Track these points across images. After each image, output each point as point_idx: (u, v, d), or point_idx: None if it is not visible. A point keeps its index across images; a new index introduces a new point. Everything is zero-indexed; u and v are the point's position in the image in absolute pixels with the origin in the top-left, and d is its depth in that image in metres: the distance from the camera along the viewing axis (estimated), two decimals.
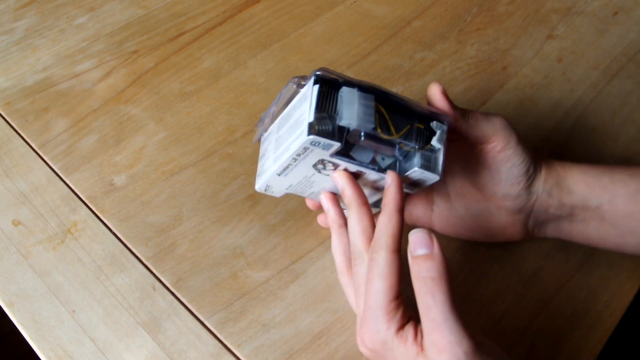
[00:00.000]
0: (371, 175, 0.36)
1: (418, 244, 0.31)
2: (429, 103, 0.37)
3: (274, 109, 0.38)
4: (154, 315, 0.41)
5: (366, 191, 0.38)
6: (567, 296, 0.42)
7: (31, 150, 0.50)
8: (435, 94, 0.37)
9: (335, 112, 0.33)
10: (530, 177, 0.39)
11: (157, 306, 0.41)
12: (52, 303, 0.41)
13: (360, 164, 0.35)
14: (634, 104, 0.54)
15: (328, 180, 0.38)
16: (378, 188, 0.39)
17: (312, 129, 0.32)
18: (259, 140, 0.41)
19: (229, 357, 0.39)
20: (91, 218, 0.46)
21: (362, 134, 0.33)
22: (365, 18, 0.63)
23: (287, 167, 0.36)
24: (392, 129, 0.34)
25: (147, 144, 0.51)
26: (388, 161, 0.36)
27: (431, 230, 0.41)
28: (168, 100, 0.54)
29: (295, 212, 0.46)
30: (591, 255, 0.44)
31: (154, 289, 0.42)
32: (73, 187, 0.48)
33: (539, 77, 0.57)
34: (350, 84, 0.33)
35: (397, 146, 0.35)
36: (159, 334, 0.40)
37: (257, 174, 0.40)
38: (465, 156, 0.40)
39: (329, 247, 0.43)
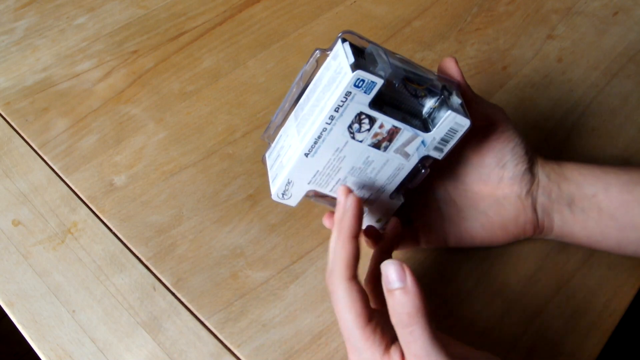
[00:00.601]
0: (404, 135, 0.35)
1: (391, 277, 0.30)
2: (441, 72, 0.38)
3: (286, 105, 0.38)
4: (154, 315, 0.41)
5: (395, 159, 0.37)
6: (567, 296, 0.42)
7: (31, 150, 0.50)
8: (450, 64, 0.38)
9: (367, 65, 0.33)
10: (531, 158, 0.41)
11: (157, 306, 0.41)
12: (52, 303, 0.41)
13: (397, 119, 0.35)
14: (634, 104, 0.54)
15: (357, 157, 0.36)
16: (407, 154, 0.36)
17: (356, 66, 0.32)
18: (267, 139, 0.39)
19: (229, 357, 0.39)
20: (91, 218, 0.46)
21: (397, 81, 0.34)
22: (365, 18, 0.63)
23: (319, 137, 0.35)
24: (417, 83, 0.35)
25: (147, 144, 0.51)
26: (417, 122, 0.36)
27: (447, 248, 0.42)
28: (168, 100, 0.54)
29: (295, 212, 0.46)
30: (591, 255, 0.44)
31: (154, 289, 0.42)
32: (73, 187, 0.48)
33: (539, 77, 0.57)
34: (374, 44, 0.35)
35: (422, 104, 0.36)
36: (159, 334, 0.40)
37: (271, 180, 0.38)
38: (466, 155, 0.41)
39: (328, 247, 0.43)
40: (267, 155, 0.40)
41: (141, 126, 0.52)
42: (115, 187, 0.48)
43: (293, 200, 0.38)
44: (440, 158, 0.37)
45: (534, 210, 0.41)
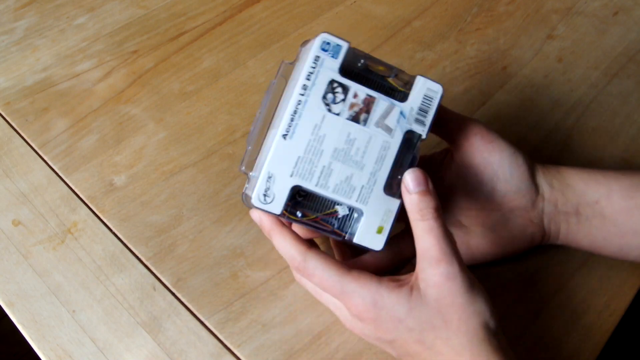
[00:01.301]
0: (380, 104, 0.36)
1: (417, 182, 0.34)
2: None
3: (256, 129, 0.38)
4: (154, 315, 0.41)
5: (378, 136, 0.36)
6: (567, 296, 0.42)
7: (31, 150, 0.50)
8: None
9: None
10: (531, 167, 0.40)
11: (157, 306, 0.41)
12: (52, 303, 0.41)
13: (371, 87, 0.36)
14: (634, 104, 0.54)
15: (338, 135, 0.35)
16: (389, 127, 0.36)
17: (323, 34, 0.35)
18: (245, 171, 0.38)
19: (229, 357, 0.39)
20: (91, 218, 0.46)
21: (361, 60, 0.36)
22: (365, 18, 0.63)
23: (295, 112, 0.35)
24: (382, 66, 0.37)
25: (147, 144, 0.51)
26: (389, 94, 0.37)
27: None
28: (168, 100, 0.54)
29: None
30: (591, 255, 0.44)
31: (154, 289, 0.42)
32: (73, 187, 0.48)
33: (539, 77, 0.57)
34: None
35: (388, 83, 0.37)
36: (159, 334, 0.40)
37: (248, 185, 0.37)
38: (464, 174, 0.40)
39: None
40: (245, 187, 0.38)
41: (141, 126, 0.52)
42: (115, 187, 0.48)
43: (276, 205, 0.35)
44: (424, 135, 0.37)
45: (541, 220, 0.41)
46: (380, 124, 0.36)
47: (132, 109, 0.54)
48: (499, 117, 0.53)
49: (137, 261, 0.43)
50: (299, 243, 0.35)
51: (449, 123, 0.40)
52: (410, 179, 0.35)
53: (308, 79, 0.35)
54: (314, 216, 0.36)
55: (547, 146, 0.51)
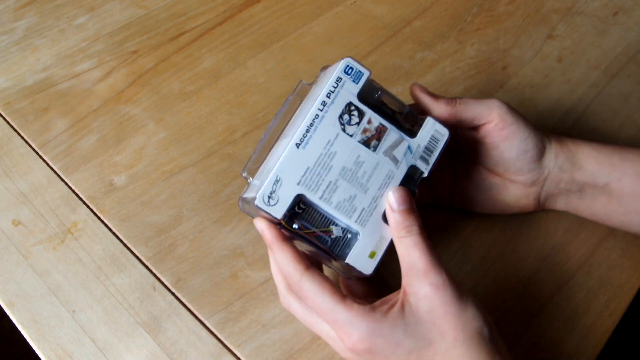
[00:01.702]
0: (391, 135, 0.38)
1: (400, 201, 0.35)
2: (415, 101, 0.40)
3: (267, 136, 0.38)
4: (154, 315, 0.41)
5: (385, 164, 0.37)
6: (567, 296, 0.42)
7: (31, 150, 0.50)
8: (416, 92, 0.40)
9: None
10: (541, 150, 0.40)
11: (157, 306, 0.41)
12: (52, 303, 0.41)
13: (385, 118, 0.38)
14: (634, 104, 0.54)
15: (348, 155, 0.36)
16: (396, 159, 0.37)
17: (347, 59, 0.37)
18: (246, 176, 0.38)
19: (229, 357, 0.39)
20: (91, 218, 0.46)
21: (378, 92, 0.39)
22: (365, 18, 0.63)
23: (311, 124, 0.36)
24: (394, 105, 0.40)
25: (147, 144, 0.51)
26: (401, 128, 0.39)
27: (452, 210, 0.45)
28: (168, 100, 0.54)
29: None
30: (591, 255, 0.44)
31: (154, 289, 0.42)
32: (73, 187, 0.48)
33: (539, 77, 0.57)
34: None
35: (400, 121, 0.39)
36: (159, 334, 0.40)
37: (250, 188, 0.37)
38: (474, 141, 0.42)
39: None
40: (244, 192, 0.38)
41: (141, 126, 0.52)
42: (115, 187, 0.48)
43: (279, 209, 0.35)
44: (426, 173, 0.38)
45: (538, 196, 0.42)
46: (388, 153, 0.37)
47: (132, 109, 0.54)
48: None
49: (137, 261, 0.43)
50: (299, 261, 0.35)
51: (467, 109, 0.39)
52: (394, 198, 0.35)
53: (328, 97, 0.36)
54: (310, 230, 0.36)
55: None
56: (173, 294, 0.42)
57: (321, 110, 0.36)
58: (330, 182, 0.36)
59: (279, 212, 0.35)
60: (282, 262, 0.35)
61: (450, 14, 0.63)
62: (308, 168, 0.36)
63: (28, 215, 0.46)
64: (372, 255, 0.37)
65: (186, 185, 0.48)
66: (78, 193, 0.47)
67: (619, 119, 0.53)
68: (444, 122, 0.38)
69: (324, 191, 0.36)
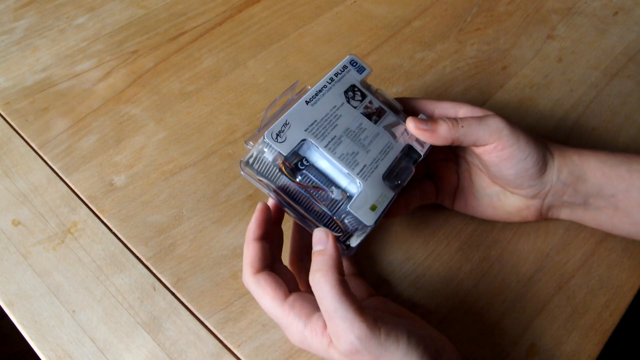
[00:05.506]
0: (389, 117, 0.41)
1: (317, 241, 0.34)
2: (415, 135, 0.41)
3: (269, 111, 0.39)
4: (154, 315, 0.41)
5: (385, 135, 0.40)
6: (567, 296, 0.42)
7: (31, 150, 0.50)
8: (414, 130, 0.40)
9: None
10: (542, 168, 0.39)
11: (157, 306, 0.41)
12: (52, 303, 0.41)
13: (384, 103, 0.41)
14: (634, 104, 0.54)
15: (352, 120, 0.39)
16: (395, 135, 0.40)
17: (352, 55, 0.42)
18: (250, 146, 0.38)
19: (229, 357, 0.39)
20: (91, 218, 0.46)
21: (376, 91, 0.42)
22: (365, 18, 0.63)
23: (321, 90, 0.39)
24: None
25: (147, 144, 0.51)
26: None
27: (452, 210, 0.45)
28: (168, 100, 0.54)
29: None
30: (591, 255, 0.44)
31: (154, 289, 0.42)
32: (73, 187, 0.48)
33: (539, 77, 0.57)
34: None
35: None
36: (159, 334, 0.40)
37: (263, 127, 0.38)
38: (475, 156, 0.42)
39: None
40: (246, 157, 0.38)
41: (141, 126, 0.52)
42: (115, 187, 0.48)
43: (285, 146, 0.36)
44: (422, 155, 0.40)
45: (539, 209, 0.42)
46: (388, 129, 0.40)
47: (132, 109, 0.54)
48: None
49: (137, 261, 0.43)
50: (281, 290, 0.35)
51: (470, 133, 0.39)
52: (316, 239, 0.34)
53: (335, 76, 0.41)
54: (313, 183, 0.36)
55: None
56: (173, 294, 0.42)
57: (329, 83, 0.40)
58: (335, 136, 0.38)
59: (285, 149, 0.36)
60: (243, 258, 0.36)
61: (450, 14, 0.63)
62: (315, 121, 0.38)
63: (28, 215, 0.46)
64: (373, 208, 0.37)
65: (186, 185, 0.48)
66: (78, 193, 0.47)
67: (619, 119, 0.53)
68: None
69: (329, 142, 0.37)
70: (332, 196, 0.36)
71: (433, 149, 0.41)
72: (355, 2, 0.65)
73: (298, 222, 0.38)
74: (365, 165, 0.37)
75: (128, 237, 0.45)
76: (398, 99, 0.43)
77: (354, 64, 0.42)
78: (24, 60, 0.58)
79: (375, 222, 0.36)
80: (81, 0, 0.64)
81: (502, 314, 0.41)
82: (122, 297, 0.42)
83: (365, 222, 0.36)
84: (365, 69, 0.42)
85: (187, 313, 0.41)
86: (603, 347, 0.40)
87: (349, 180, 0.37)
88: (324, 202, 0.36)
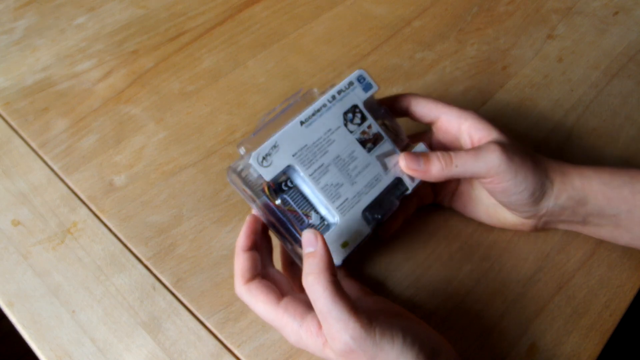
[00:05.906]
0: (385, 145, 0.40)
1: (306, 243, 0.34)
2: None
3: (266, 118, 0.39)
4: (154, 315, 0.41)
5: (375, 167, 0.39)
6: (567, 296, 0.42)
7: (31, 150, 0.50)
8: (406, 170, 0.39)
9: None
10: (538, 198, 0.39)
11: (157, 306, 0.41)
12: (52, 303, 0.41)
13: (382, 128, 0.40)
14: (634, 104, 0.54)
15: (344, 147, 0.38)
16: (386, 166, 0.39)
17: (361, 70, 0.40)
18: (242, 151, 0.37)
19: (229, 357, 0.39)
20: (91, 218, 0.46)
21: (382, 110, 0.41)
22: (365, 18, 0.63)
23: (319, 109, 0.38)
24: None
25: (147, 144, 0.51)
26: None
27: (452, 210, 0.45)
28: (168, 100, 0.54)
29: None
30: (591, 255, 0.44)
31: (154, 289, 0.42)
32: (73, 187, 0.48)
33: (539, 77, 0.57)
34: None
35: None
36: (159, 334, 0.40)
37: (257, 131, 0.37)
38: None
39: None
40: (235, 162, 0.37)
41: (141, 126, 0.52)
42: (115, 187, 0.48)
43: (269, 172, 0.36)
44: (409, 190, 0.40)
45: (535, 224, 0.42)
46: (380, 158, 0.40)
47: (132, 109, 0.54)
48: (499, 117, 0.53)
49: (137, 261, 0.43)
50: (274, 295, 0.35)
51: (465, 170, 0.38)
52: (305, 241, 0.34)
53: (338, 94, 0.39)
54: (291, 207, 0.37)
55: (547, 146, 0.51)
56: (173, 294, 0.42)
57: (329, 102, 0.39)
58: (323, 164, 0.37)
59: (269, 174, 0.36)
60: (234, 268, 0.36)
61: (450, 14, 0.63)
62: (306, 145, 0.37)
63: (28, 215, 0.46)
64: (344, 245, 0.37)
65: (186, 185, 0.48)
66: (78, 193, 0.47)
67: (619, 119, 0.53)
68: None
69: (316, 170, 0.37)
70: (310, 222, 0.37)
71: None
72: (355, 2, 0.65)
73: (277, 237, 0.38)
74: (346, 199, 0.37)
75: (128, 237, 0.45)
76: (402, 96, 0.42)
77: (362, 80, 0.40)
78: (23, 60, 0.58)
79: (343, 260, 0.37)
80: (81, 0, 0.64)
81: (502, 314, 0.41)
82: (122, 297, 0.42)
83: (333, 260, 0.36)
84: (372, 87, 0.40)
85: (187, 313, 0.41)
86: (603, 347, 0.40)
87: (328, 210, 0.37)
88: (300, 227, 0.36)
